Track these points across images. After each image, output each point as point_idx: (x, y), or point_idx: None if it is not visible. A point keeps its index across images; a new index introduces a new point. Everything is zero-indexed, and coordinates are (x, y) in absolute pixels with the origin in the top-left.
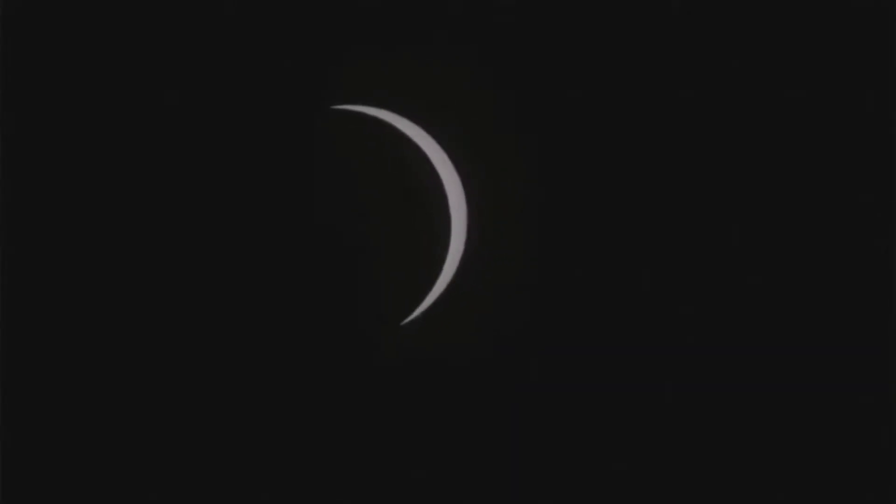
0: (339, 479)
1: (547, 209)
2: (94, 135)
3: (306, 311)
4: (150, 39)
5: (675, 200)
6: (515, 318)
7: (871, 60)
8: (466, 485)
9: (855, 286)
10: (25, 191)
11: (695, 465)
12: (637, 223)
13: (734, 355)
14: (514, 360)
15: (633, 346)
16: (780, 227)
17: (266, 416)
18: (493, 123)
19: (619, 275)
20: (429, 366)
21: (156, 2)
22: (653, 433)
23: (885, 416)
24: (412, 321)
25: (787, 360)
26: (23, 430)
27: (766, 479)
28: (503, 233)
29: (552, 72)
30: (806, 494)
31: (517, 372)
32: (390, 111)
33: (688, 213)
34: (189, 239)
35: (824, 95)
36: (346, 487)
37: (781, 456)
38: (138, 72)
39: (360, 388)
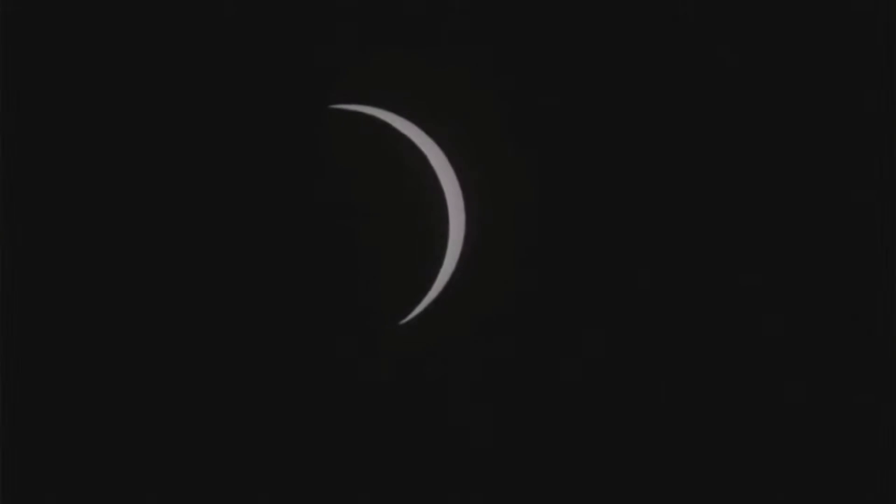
0: (339, 478)
1: (546, 209)
2: (94, 135)
3: (305, 311)
4: (149, 39)
5: (674, 200)
6: (515, 317)
7: (871, 60)
8: (466, 484)
9: (855, 286)
10: (26, 190)
11: (694, 466)
12: (636, 223)
13: (734, 354)
14: (514, 359)
15: (633, 345)
16: (779, 227)
17: (265, 415)
18: (491, 123)
19: (619, 274)
20: (428, 366)
21: (156, 2)
22: (652, 433)
23: (886, 416)
24: (411, 321)
25: (787, 360)
26: (23, 430)
27: (766, 479)
28: (502, 232)
29: (552, 72)
30: (806, 494)
31: (517, 372)
32: (389, 111)
33: (687, 213)
34: (188, 238)
35: (824, 95)
36: (345, 487)
37: (781, 456)
38: (138, 72)
39: (359, 388)
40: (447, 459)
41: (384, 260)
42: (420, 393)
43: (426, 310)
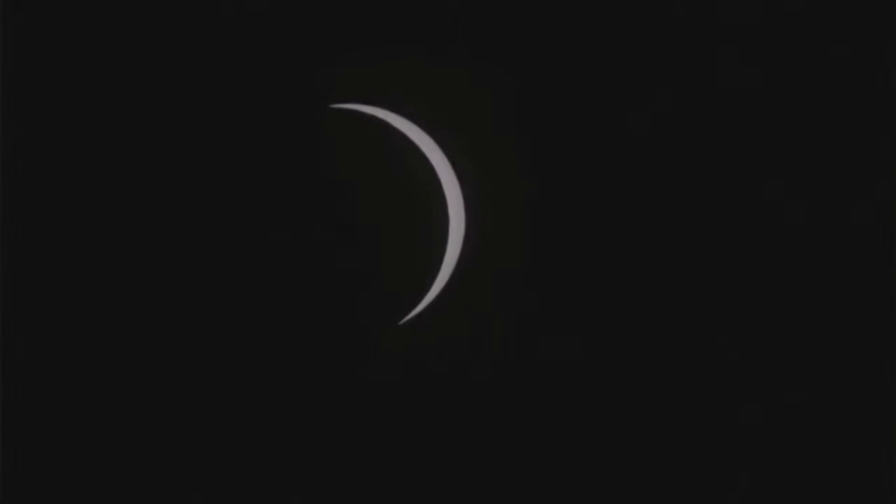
0: (339, 478)
1: (546, 208)
2: (94, 135)
3: (305, 311)
4: (149, 39)
5: (673, 200)
6: (514, 317)
7: (872, 60)
8: (466, 485)
9: (855, 286)
10: (26, 190)
11: (695, 466)
12: (637, 223)
13: (734, 355)
14: (514, 359)
15: (633, 345)
16: (779, 227)
17: (265, 415)
18: (491, 123)
19: (619, 274)
20: (428, 365)
21: (156, 2)
22: (653, 433)
23: (886, 416)
24: (411, 320)
25: (786, 359)
26: (23, 430)
27: (766, 479)
28: (502, 232)
29: (552, 71)
30: (806, 494)
31: (517, 372)
32: (388, 110)
33: (687, 213)
34: (188, 238)
35: (824, 95)
36: (346, 487)
37: (781, 456)
38: (138, 71)
39: (359, 388)
40: (447, 459)
41: (384, 260)
42: (420, 393)
43: (426, 310)
